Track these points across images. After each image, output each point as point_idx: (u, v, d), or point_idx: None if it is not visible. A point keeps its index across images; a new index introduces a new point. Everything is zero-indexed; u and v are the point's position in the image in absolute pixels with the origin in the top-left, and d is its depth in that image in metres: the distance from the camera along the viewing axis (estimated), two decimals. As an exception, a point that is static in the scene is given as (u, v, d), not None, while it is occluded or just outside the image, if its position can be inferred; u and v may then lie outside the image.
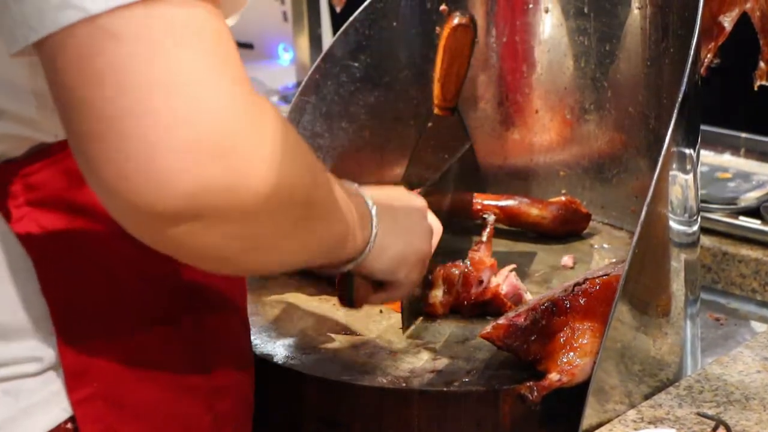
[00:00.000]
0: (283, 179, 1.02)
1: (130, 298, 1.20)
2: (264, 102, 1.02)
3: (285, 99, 2.63)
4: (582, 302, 1.43)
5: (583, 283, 1.45)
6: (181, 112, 0.95)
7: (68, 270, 1.16)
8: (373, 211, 1.30)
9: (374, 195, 1.32)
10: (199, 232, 1.00)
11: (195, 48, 0.97)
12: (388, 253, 1.33)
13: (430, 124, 1.96)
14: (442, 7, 1.94)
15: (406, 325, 1.57)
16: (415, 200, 1.43)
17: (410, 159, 1.98)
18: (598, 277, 1.46)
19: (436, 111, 1.95)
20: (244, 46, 2.80)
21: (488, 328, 1.44)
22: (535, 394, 1.39)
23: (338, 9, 2.45)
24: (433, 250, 1.45)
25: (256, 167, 0.99)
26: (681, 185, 1.49)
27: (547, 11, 1.88)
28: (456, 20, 1.88)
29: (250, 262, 1.09)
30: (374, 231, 1.29)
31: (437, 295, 1.61)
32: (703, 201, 1.98)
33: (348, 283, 1.39)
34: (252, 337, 1.56)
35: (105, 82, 0.95)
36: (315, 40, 2.66)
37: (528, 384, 1.39)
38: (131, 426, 1.21)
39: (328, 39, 2.66)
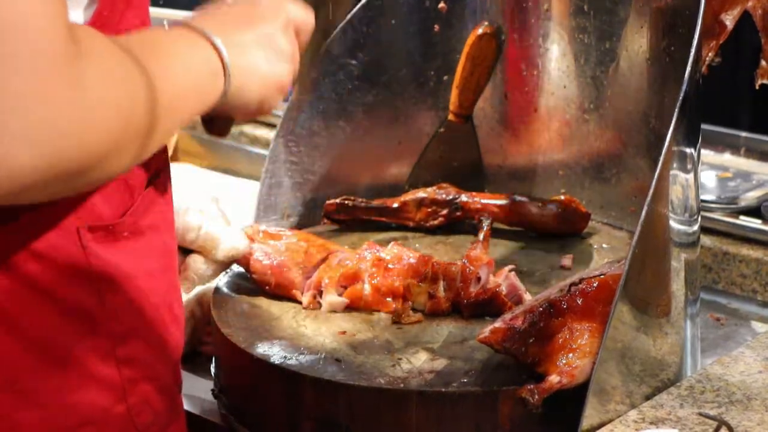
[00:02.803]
0: (114, 132, 1.03)
1: (32, 281, 1.18)
2: (80, 43, 1.00)
3: (285, 98, 2.62)
4: (579, 303, 1.43)
5: (580, 283, 1.44)
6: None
7: None
8: (225, 57, 1.24)
9: (222, 26, 1.27)
10: (60, 188, 1.03)
11: None
12: (247, 92, 1.28)
13: (442, 129, 1.96)
14: (441, 4, 1.93)
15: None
16: (274, 15, 1.35)
17: (417, 161, 1.98)
18: (595, 277, 1.45)
19: (450, 117, 1.95)
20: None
21: (486, 332, 1.44)
22: (536, 397, 1.38)
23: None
24: (301, 50, 1.39)
25: (78, 138, 1.00)
26: (681, 185, 1.49)
27: (547, 10, 1.88)
28: (481, 29, 1.88)
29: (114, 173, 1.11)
30: (229, 75, 1.24)
31: (440, 290, 1.61)
32: (703, 201, 1.97)
33: (211, 120, 1.37)
34: (249, 338, 1.55)
35: None
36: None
37: (529, 387, 1.39)
38: (30, 413, 1.19)
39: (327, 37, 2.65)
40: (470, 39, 1.91)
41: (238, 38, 1.28)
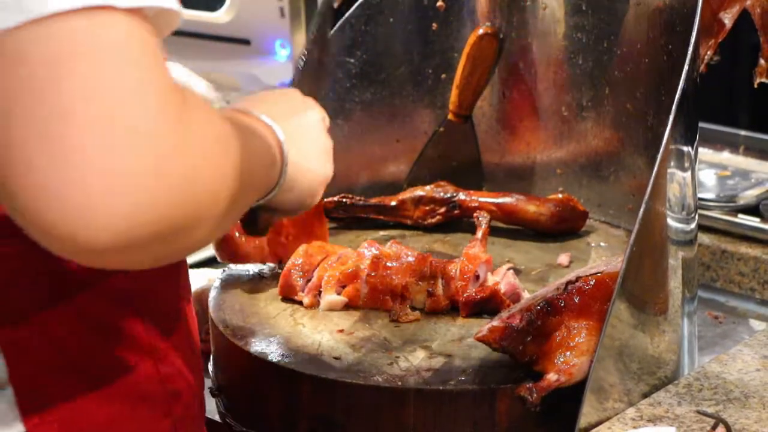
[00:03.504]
0: (211, 193, 0.96)
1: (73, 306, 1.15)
2: (190, 111, 0.94)
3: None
4: (577, 301, 1.43)
5: (577, 281, 1.45)
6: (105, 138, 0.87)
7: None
8: (285, 148, 1.22)
9: (280, 120, 1.23)
10: (137, 257, 0.95)
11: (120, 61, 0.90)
12: (299, 186, 1.27)
13: (441, 129, 1.96)
14: (439, 3, 1.93)
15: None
16: (310, 109, 1.34)
17: (416, 160, 1.98)
18: (592, 275, 1.45)
19: (449, 116, 1.95)
20: (241, 42, 2.80)
21: (484, 330, 1.44)
22: (535, 395, 1.38)
23: (336, 5, 2.43)
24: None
25: (185, 190, 0.92)
26: (679, 183, 1.49)
27: (545, 8, 1.87)
28: (482, 29, 1.88)
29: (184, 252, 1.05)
30: (285, 168, 1.23)
31: (438, 289, 1.61)
32: (700, 199, 1.97)
33: (253, 215, 1.33)
34: (246, 336, 1.55)
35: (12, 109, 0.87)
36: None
37: (527, 385, 1.39)
38: None
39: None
40: (471, 39, 1.91)
41: (290, 127, 1.24)
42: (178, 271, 1.29)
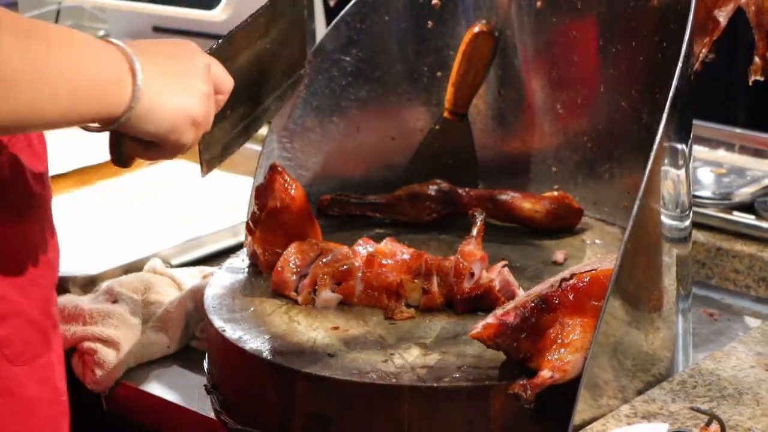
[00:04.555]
0: None
1: None
2: None
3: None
4: (571, 298, 1.43)
5: (571, 278, 1.45)
6: None
7: None
8: (137, 66, 1.26)
9: (144, 49, 1.29)
10: None
11: None
12: (157, 114, 1.29)
13: (437, 126, 1.96)
14: (434, 0, 1.93)
15: (205, 169, 1.51)
16: (195, 57, 1.36)
17: (412, 158, 1.98)
18: (586, 272, 1.45)
19: (445, 114, 1.95)
20: (237, 40, 2.79)
21: (478, 327, 1.44)
22: (529, 392, 1.38)
23: (332, 3, 2.44)
24: (218, 108, 1.40)
25: None
26: (673, 180, 1.49)
27: (539, 5, 1.88)
28: (477, 27, 1.89)
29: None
30: (138, 89, 1.26)
31: (433, 286, 1.61)
32: (695, 196, 1.97)
33: (117, 142, 1.34)
34: (241, 334, 1.55)
35: None
36: (308, 34, 2.65)
37: (521, 382, 1.39)
38: None
39: (321, 34, 2.65)
40: (466, 37, 1.92)
41: (158, 61, 1.30)
42: (18, 207, 1.36)
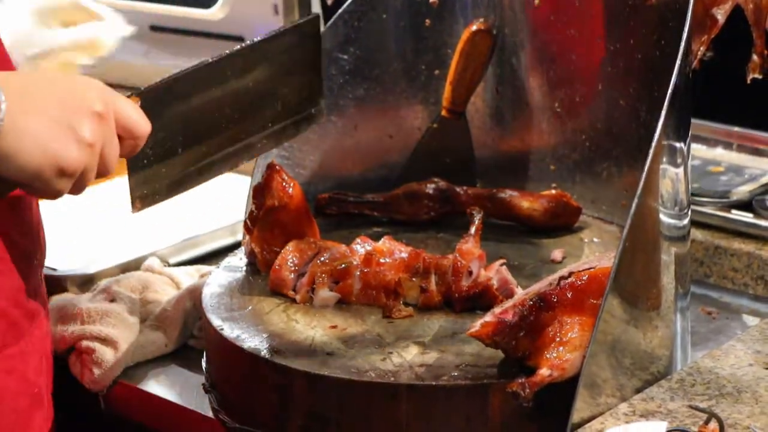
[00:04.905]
0: None
1: None
2: None
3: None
4: (569, 296, 1.43)
5: (569, 276, 1.45)
6: None
7: None
8: (2, 104, 1.20)
9: (23, 86, 1.23)
10: None
11: None
12: (18, 159, 1.23)
13: (434, 125, 1.96)
14: (432, -1, 1.93)
15: (138, 205, 1.46)
16: (85, 101, 1.27)
17: (410, 156, 1.98)
18: (584, 270, 1.45)
19: (443, 112, 1.95)
20: (234, 39, 2.79)
21: (476, 326, 1.44)
22: (527, 390, 1.38)
23: (329, 1, 2.44)
24: (133, 152, 1.34)
25: None
26: (671, 178, 1.49)
27: (537, 3, 1.88)
28: (475, 26, 1.89)
29: None
30: None
31: (431, 284, 1.61)
32: (694, 194, 1.97)
33: None
34: (239, 332, 1.55)
35: None
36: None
37: (519, 381, 1.39)
38: None
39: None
40: (464, 35, 1.91)
41: (32, 103, 1.23)
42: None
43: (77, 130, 1.26)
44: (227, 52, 1.53)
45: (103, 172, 1.31)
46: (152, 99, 1.40)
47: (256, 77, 1.56)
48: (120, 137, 1.32)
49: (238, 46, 1.54)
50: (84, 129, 1.27)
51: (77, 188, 1.30)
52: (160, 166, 1.42)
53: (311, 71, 1.64)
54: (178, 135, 1.46)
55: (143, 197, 1.46)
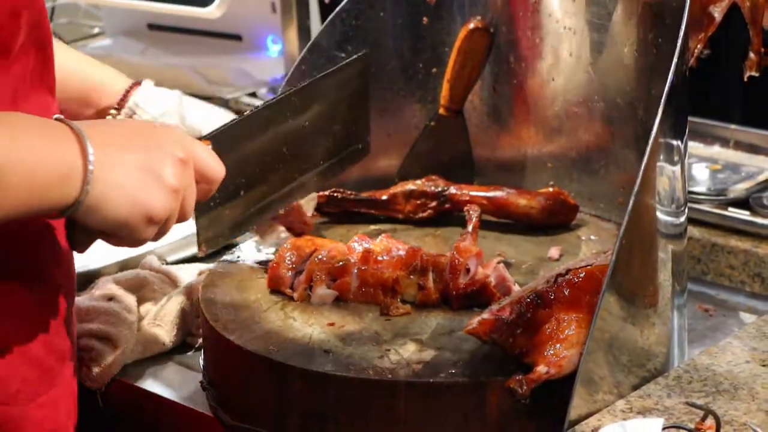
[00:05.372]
0: None
1: None
2: None
3: (274, 91, 2.63)
4: (566, 293, 1.43)
5: (566, 274, 1.45)
6: None
7: None
8: (90, 156, 1.20)
9: (106, 136, 1.23)
10: None
11: None
12: (107, 209, 1.23)
13: (432, 123, 1.96)
14: (430, -4, 1.94)
15: (204, 248, 1.49)
16: (166, 148, 1.28)
17: (407, 154, 1.98)
18: (581, 267, 1.46)
19: (440, 111, 1.95)
20: (232, 37, 2.80)
21: (473, 323, 1.44)
22: (524, 387, 1.38)
23: (327, 0, 2.44)
24: (205, 197, 1.34)
25: None
26: (668, 176, 1.49)
27: (535, 2, 1.88)
28: (472, 24, 1.89)
29: None
30: (88, 181, 1.20)
31: (429, 282, 1.61)
32: (691, 192, 1.98)
33: (70, 227, 1.29)
34: (237, 330, 1.55)
35: None
36: (304, 31, 2.65)
37: (517, 378, 1.39)
38: None
39: (317, 30, 2.65)
40: (462, 33, 1.92)
41: (118, 154, 1.23)
42: (36, 240, 1.31)
43: (163, 177, 1.26)
44: (286, 91, 1.54)
45: (182, 218, 1.31)
46: (221, 142, 1.40)
47: (311, 116, 1.58)
48: (196, 182, 1.32)
49: (296, 87, 1.55)
50: (169, 176, 1.27)
51: (160, 234, 1.30)
52: (224, 209, 1.44)
53: (360, 106, 1.65)
54: (241, 177, 1.48)
55: (208, 240, 1.49)
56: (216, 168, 1.34)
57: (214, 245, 1.49)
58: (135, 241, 1.28)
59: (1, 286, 1.30)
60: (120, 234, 1.26)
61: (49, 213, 1.22)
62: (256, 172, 1.47)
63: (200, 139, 1.39)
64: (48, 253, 1.36)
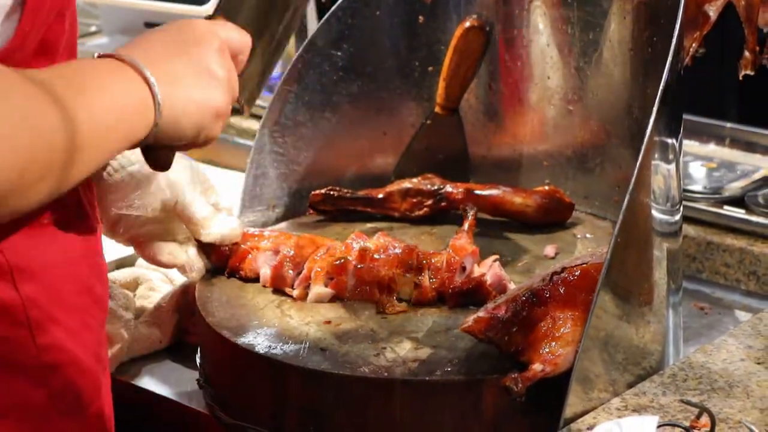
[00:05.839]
0: (9, 167, 1.06)
1: None
2: None
3: (270, 89, 2.62)
4: (562, 291, 1.43)
5: (562, 272, 1.45)
6: None
7: None
8: (156, 90, 1.23)
9: (152, 54, 1.25)
10: None
11: None
12: (182, 124, 1.26)
13: (428, 121, 1.96)
14: (426, -5, 1.94)
15: (247, 109, 1.52)
16: (204, 42, 1.31)
17: (403, 153, 1.98)
18: (577, 266, 1.46)
19: (436, 109, 1.96)
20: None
21: (469, 321, 1.44)
22: (520, 385, 1.38)
23: (323, -2, 2.44)
24: (240, 68, 1.38)
25: None
26: (663, 174, 1.49)
27: (530, 0, 1.88)
28: (469, 22, 1.89)
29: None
30: (159, 106, 1.23)
31: (425, 280, 1.61)
32: (686, 190, 1.98)
33: (148, 152, 1.32)
34: (234, 328, 1.56)
35: None
36: (300, 30, 2.65)
37: (512, 376, 1.39)
38: None
39: (313, 29, 2.65)
40: (458, 32, 1.92)
41: (169, 67, 1.26)
42: (68, 247, 1.30)
43: (214, 72, 1.30)
44: None
45: (234, 99, 1.36)
46: (229, 11, 1.44)
47: None
48: (232, 58, 1.36)
49: None
50: (217, 68, 1.31)
51: (225, 124, 1.35)
52: (248, 68, 1.45)
53: None
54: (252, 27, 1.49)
55: (248, 100, 1.51)
56: (244, 40, 1.39)
57: (251, 103, 1.52)
58: (209, 141, 1.32)
59: (59, 297, 1.29)
60: (198, 139, 1.30)
61: (134, 146, 1.25)
62: (255, 26, 1.49)
63: (213, 17, 1.42)
64: (93, 260, 1.37)
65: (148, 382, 1.70)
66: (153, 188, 1.67)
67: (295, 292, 1.64)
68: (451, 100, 1.96)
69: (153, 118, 1.23)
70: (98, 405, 1.36)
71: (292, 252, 1.67)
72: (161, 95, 1.23)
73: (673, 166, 1.51)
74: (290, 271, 1.66)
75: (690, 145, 2.18)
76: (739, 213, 1.96)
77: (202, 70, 1.29)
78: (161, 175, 1.67)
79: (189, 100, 1.27)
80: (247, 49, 1.39)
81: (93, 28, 3.10)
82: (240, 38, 1.38)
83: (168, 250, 1.70)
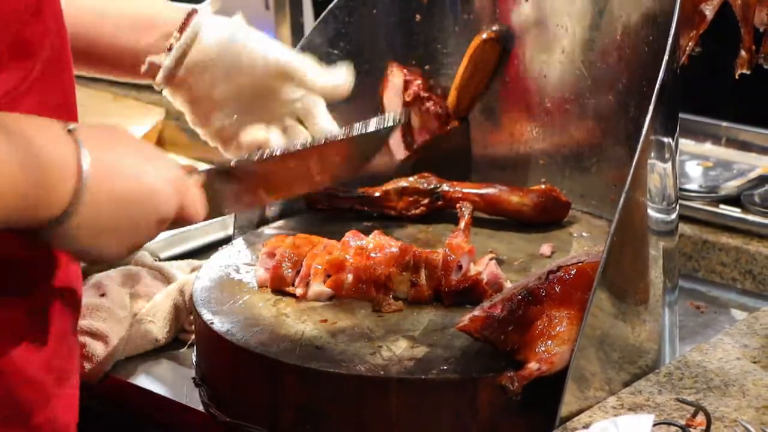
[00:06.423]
0: None
1: None
2: None
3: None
4: (558, 290, 1.43)
5: (558, 270, 1.45)
6: None
7: None
8: (85, 183, 1.17)
9: (98, 164, 1.18)
10: None
11: None
12: (81, 241, 1.21)
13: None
14: (422, -6, 1.94)
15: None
16: (151, 210, 1.26)
17: (409, 155, 1.98)
18: (573, 264, 1.46)
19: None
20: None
21: (465, 320, 1.44)
22: (516, 384, 1.39)
23: (320, -4, 2.44)
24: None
25: None
26: (660, 173, 1.49)
27: (527, 0, 1.88)
28: (485, 34, 1.89)
29: None
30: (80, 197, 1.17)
31: (421, 279, 1.61)
32: (683, 189, 1.98)
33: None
34: (230, 326, 1.56)
35: None
36: (297, 28, 2.66)
37: (508, 374, 1.39)
38: None
39: (310, 27, 2.65)
40: (474, 42, 1.92)
41: (110, 175, 1.20)
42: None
43: (146, 234, 1.27)
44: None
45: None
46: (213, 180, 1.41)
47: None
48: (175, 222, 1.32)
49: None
50: (153, 231, 1.27)
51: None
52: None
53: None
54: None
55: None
56: (197, 217, 1.34)
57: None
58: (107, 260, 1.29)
59: (4, 301, 1.28)
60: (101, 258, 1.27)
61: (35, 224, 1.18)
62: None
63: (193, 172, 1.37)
64: (58, 261, 1.36)
65: (144, 381, 1.70)
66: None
67: (298, 291, 1.64)
68: (461, 109, 1.97)
69: (67, 200, 1.17)
70: (47, 416, 1.33)
71: (289, 251, 1.67)
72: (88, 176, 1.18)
73: (669, 165, 1.52)
74: (289, 271, 1.66)
75: (686, 144, 2.19)
76: (735, 212, 1.97)
77: (135, 228, 1.25)
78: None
79: (112, 237, 1.23)
80: (194, 222, 1.34)
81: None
82: (194, 215, 1.33)
83: (251, 131, 1.67)
